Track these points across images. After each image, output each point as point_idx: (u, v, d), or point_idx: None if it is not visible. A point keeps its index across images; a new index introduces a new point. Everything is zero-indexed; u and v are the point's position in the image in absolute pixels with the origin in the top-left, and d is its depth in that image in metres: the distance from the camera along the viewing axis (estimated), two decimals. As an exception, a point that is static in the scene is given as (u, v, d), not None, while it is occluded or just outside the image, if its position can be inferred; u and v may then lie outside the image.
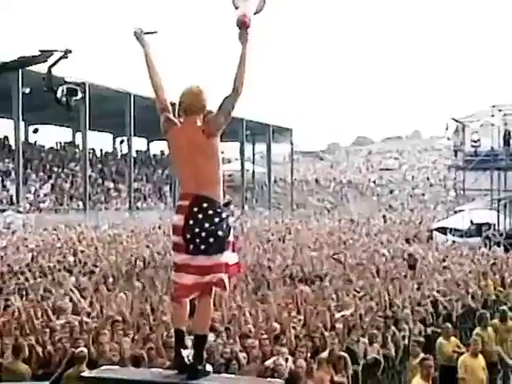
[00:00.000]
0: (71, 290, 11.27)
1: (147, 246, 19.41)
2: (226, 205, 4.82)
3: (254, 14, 4.63)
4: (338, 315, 10.26)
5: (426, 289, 13.07)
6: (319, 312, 10.16)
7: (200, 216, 4.52)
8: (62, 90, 8.54)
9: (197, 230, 4.51)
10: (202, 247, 4.52)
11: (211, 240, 4.52)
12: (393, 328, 10.32)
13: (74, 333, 8.69)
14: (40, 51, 8.06)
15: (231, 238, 4.68)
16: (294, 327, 9.26)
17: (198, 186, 4.55)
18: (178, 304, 4.74)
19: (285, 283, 13.12)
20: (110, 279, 13.11)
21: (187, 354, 4.59)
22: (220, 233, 4.55)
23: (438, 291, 12.98)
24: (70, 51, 8.01)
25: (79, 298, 10.71)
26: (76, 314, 9.70)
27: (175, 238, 4.63)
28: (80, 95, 8.44)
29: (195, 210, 4.52)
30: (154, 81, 4.87)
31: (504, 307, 11.88)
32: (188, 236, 4.53)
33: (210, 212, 4.53)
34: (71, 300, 10.59)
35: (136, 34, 4.86)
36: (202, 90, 4.69)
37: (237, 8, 4.60)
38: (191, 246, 4.54)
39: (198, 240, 4.52)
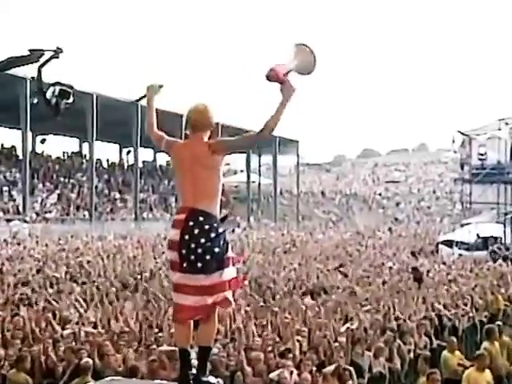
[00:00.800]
0: (76, 300, 11.27)
1: (154, 258, 19.41)
2: (223, 219, 4.72)
3: (300, 73, 4.55)
4: (342, 328, 10.23)
5: (431, 302, 13.02)
6: (324, 325, 10.12)
7: (196, 231, 4.43)
8: (53, 91, 7.87)
9: (193, 245, 4.42)
10: (199, 265, 4.42)
11: (208, 257, 4.43)
12: (398, 341, 10.28)
13: (79, 343, 8.68)
14: (29, 51, 7.44)
15: (230, 254, 4.59)
16: (298, 340, 9.23)
17: (194, 198, 4.51)
18: (181, 324, 4.66)
19: (290, 295, 13.08)
20: (115, 290, 13.09)
21: (192, 372, 4.54)
22: (217, 249, 4.46)
23: (443, 305, 12.93)
24: (61, 50, 7.48)
25: (84, 309, 10.70)
26: (81, 324, 9.69)
27: (171, 255, 4.57)
28: (72, 99, 7.92)
29: (191, 224, 4.45)
30: (151, 121, 5.11)
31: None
32: (183, 251, 4.44)
33: (207, 226, 4.46)
34: (76, 310, 10.58)
35: (149, 89, 5.18)
36: (208, 107, 4.74)
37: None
38: (185, 264, 4.45)
39: (193, 257, 4.42)
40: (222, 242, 4.51)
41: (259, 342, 9.02)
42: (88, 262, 17.55)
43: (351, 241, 30.75)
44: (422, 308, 12.44)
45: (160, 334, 8.91)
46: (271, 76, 4.39)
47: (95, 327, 9.41)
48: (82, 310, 10.53)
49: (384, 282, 15.53)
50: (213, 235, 4.46)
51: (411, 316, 11.72)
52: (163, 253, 20.69)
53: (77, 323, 9.85)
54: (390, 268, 19.05)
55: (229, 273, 4.56)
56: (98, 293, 12.54)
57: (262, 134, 4.49)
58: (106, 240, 26.84)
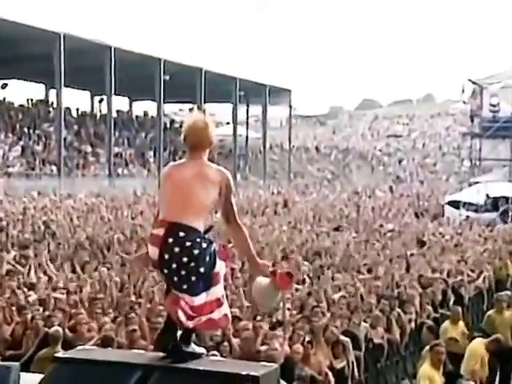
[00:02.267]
0: (44, 263, 11.29)
1: (132, 218, 19.43)
2: (207, 231, 4.52)
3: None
4: (336, 295, 10.35)
5: (435, 269, 13.17)
6: (316, 292, 10.23)
7: (176, 249, 4.32)
8: None
9: (174, 265, 4.34)
10: (184, 287, 4.38)
11: (193, 279, 4.37)
12: (398, 310, 10.42)
13: (48, 311, 8.71)
14: None
15: (218, 268, 4.49)
16: (289, 308, 9.32)
17: (178, 212, 4.39)
18: None
19: (281, 259, 13.17)
20: (87, 253, 13.12)
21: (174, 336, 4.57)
22: (202, 269, 4.37)
23: (448, 271, 13.09)
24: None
25: (53, 273, 10.73)
26: (50, 290, 9.72)
27: (156, 271, 4.59)
28: None
29: (170, 241, 4.33)
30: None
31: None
32: (165, 271, 4.39)
33: (188, 243, 4.34)
34: (44, 274, 10.61)
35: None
36: (208, 123, 4.66)
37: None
38: (170, 283, 4.44)
39: (176, 278, 4.37)
40: (207, 259, 4.40)
41: (246, 309, 9.10)
42: (56, 222, 17.53)
43: (348, 201, 30.86)
44: (424, 275, 12.57)
45: (138, 301, 8.95)
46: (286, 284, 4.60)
47: (66, 293, 9.44)
48: (50, 274, 10.55)
49: (383, 247, 15.66)
50: (196, 252, 4.35)
51: (413, 283, 11.85)
52: (141, 212, 20.74)
53: (45, 288, 9.89)
54: (391, 231, 19.19)
55: (217, 291, 4.50)
56: (67, 256, 12.56)
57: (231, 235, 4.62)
58: (76, 198, 26.76)
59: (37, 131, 42.10)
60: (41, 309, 8.88)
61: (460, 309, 10.52)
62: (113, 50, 39.71)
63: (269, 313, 9.06)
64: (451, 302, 11.82)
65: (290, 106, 59.55)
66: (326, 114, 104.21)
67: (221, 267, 4.52)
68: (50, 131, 42.21)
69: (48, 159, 39.78)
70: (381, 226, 20.30)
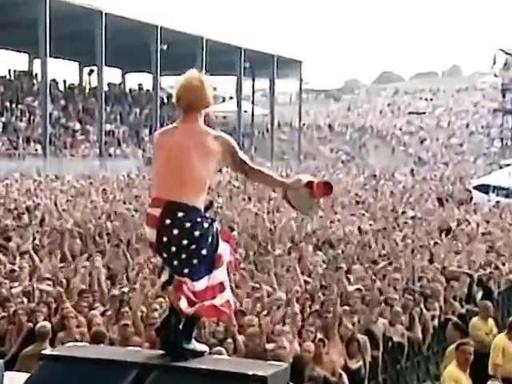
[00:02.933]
0: (28, 251, 11.32)
1: (124, 203, 19.45)
2: (207, 208, 4.60)
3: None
4: (351, 288, 10.35)
5: (462, 260, 13.16)
6: (330, 285, 10.24)
7: (175, 231, 4.32)
8: None
9: (173, 249, 4.35)
10: (186, 271, 4.39)
11: (195, 262, 4.38)
12: (421, 306, 10.43)
13: (32, 304, 8.75)
14: None
15: (221, 250, 4.51)
16: (299, 300, 9.34)
17: (173, 188, 4.38)
18: None
19: (289, 250, 13.17)
20: (76, 241, 13.15)
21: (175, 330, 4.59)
22: (204, 251, 4.39)
23: (476, 263, 13.08)
24: None
25: (38, 262, 10.75)
26: (35, 281, 9.74)
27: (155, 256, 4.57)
28: None
29: (167, 222, 4.33)
30: None
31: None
32: (164, 255, 4.42)
33: (188, 224, 4.33)
34: (28, 264, 10.63)
35: None
36: (204, 81, 4.57)
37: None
38: (170, 268, 4.46)
39: (176, 262, 4.38)
40: (209, 240, 4.41)
41: (251, 304, 9.12)
42: (41, 206, 17.56)
43: (365, 185, 30.83)
44: (449, 267, 12.57)
45: (131, 294, 8.98)
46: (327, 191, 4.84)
47: (53, 285, 9.48)
48: (36, 263, 10.58)
49: (404, 236, 15.65)
50: (197, 234, 4.35)
51: (436, 276, 11.85)
52: (136, 197, 20.77)
53: (29, 279, 9.92)
54: (412, 218, 19.17)
55: (219, 275, 4.51)
56: (53, 243, 12.59)
57: (247, 175, 4.68)
58: (63, 180, 26.81)
59: (20, 106, 42.12)
60: (25, 301, 8.91)
61: (490, 304, 10.51)
62: (104, 15, 39.64)
63: (277, 305, 9.10)
64: (479, 297, 11.82)
65: (301, 80, 59.38)
66: (341, 89, 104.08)
67: (224, 249, 4.54)
68: (35, 106, 42.23)
69: (32, 137, 39.83)
70: (401, 212, 20.28)
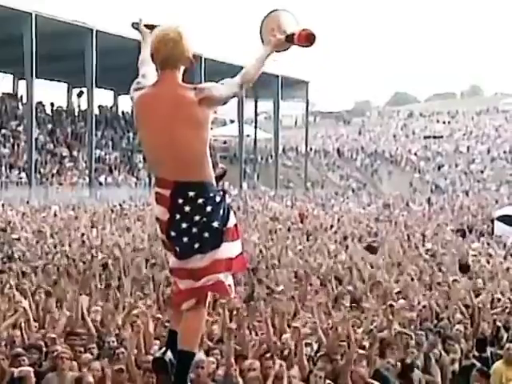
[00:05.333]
0: (10, 288, 11.30)
1: (120, 236, 19.45)
2: (220, 178, 4.87)
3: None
4: (360, 330, 10.30)
5: (485, 297, 13.09)
6: (339, 324, 10.19)
7: (187, 208, 4.54)
8: None
9: (184, 225, 4.56)
10: (196, 246, 4.59)
11: (206, 235, 4.58)
12: (439, 348, 10.36)
13: (14, 348, 8.71)
14: None
15: (231, 224, 4.73)
16: (307, 343, 9.30)
17: (179, 169, 4.55)
18: (176, 309, 4.92)
19: (295, 286, 13.15)
20: (63, 278, 13.12)
21: (170, 357, 4.75)
22: (215, 224, 4.59)
23: (500, 301, 13.00)
24: None
25: (20, 301, 10.71)
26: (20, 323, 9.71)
27: (161, 235, 4.77)
28: None
29: (180, 201, 4.55)
30: (145, 57, 4.91)
31: None
32: (172, 234, 4.60)
33: (200, 201, 4.55)
34: (9, 303, 10.59)
35: (133, 25, 5.13)
36: (182, 33, 4.59)
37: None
38: (177, 249, 4.63)
39: (186, 238, 4.57)
40: (221, 213, 4.64)
41: (254, 345, 9.08)
42: (26, 239, 17.56)
43: (377, 215, 30.81)
44: (470, 305, 12.50)
45: (125, 335, 8.96)
46: (311, 36, 4.87)
47: (39, 327, 9.46)
48: (22, 304, 10.53)
49: (420, 271, 15.61)
50: (209, 209, 4.57)
51: (456, 315, 11.79)
52: (128, 229, 20.78)
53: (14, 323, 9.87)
54: (429, 251, 19.12)
55: (228, 248, 4.70)
56: (38, 280, 12.58)
57: (241, 85, 4.79)
58: (49, 211, 26.82)
59: (3, 131, 42.32)
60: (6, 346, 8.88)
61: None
62: (95, 33, 39.88)
63: (283, 348, 9.05)
64: (504, 339, 11.73)
65: (308, 101, 59.58)
66: (351, 111, 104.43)
67: (235, 223, 4.77)
68: (19, 130, 42.39)
69: (16, 164, 39.92)
70: (417, 246, 20.23)
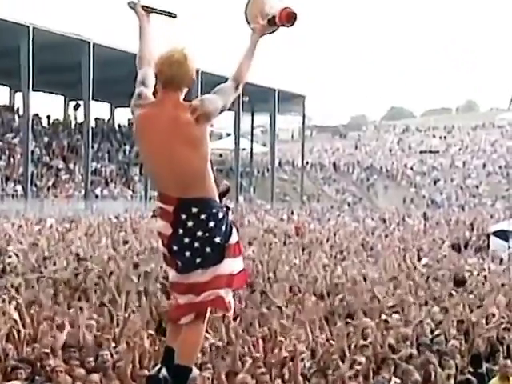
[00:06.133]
0: (3, 301, 11.24)
1: (114, 249, 19.39)
2: (224, 194, 4.87)
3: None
4: (356, 345, 10.26)
5: (479, 313, 13.06)
6: (334, 339, 10.15)
7: (190, 224, 4.59)
8: None
9: (187, 240, 4.61)
10: (198, 260, 4.63)
11: (208, 250, 4.62)
12: (434, 362, 10.31)
13: (7, 363, 8.66)
14: None
15: (233, 240, 4.77)
16: (302, 359, 9.26)
17: (181, 186, 4.60)
18: (173, 324, 4.94)
19: (290, 301, 13.11)
20: (59, 290, 13.08)
21: (165, 375, 4.71)
22: (217, 239, 4.64)
23: (495, 317, 12.97)
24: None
25: (14, 316, 10.66)
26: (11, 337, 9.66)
27: (163, 249, 4.80)
28: None
29: (183, 217, 4.60)
30: (143, 54, 4.93)
31: None
32: (174, 248, 4.64)
33: (203, 216, 4.60)
34: (4, 317, 10.54)
35: (130, 4, 5.03)
36: (188, 55, 4.63)
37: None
38: (179, 263, 4.67)
39: (189, 253, 4.61)
40: (223, 229, 4.68)
41: (248, 362, 9.03)
42: (21, 251, 17.50)
43: (373, 229, 30.79)
44: (466, 320, 12.47)
45: (119, 349, 8.91)
46: (291, 15, 4.85)
47: (33, 341, 9.41)
48: (13, 317, 10.47)
49: (416, 286, 15.58)
50: (212, 224, 4.62)
51: (451, 331, 11.76)
52: (125, 243, 20.71)
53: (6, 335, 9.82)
54: (424, 266, 19.10)
55: (230, 264, 4.73)
56: (33, 294, 12.52)
57: (238, 84, 4.74)
58: (45, 224, 26.75)
59: (-1, 143, 42.26)
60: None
61: (510, 362, 10.39)
62: (91, 45, 39.91)
63: (277, 363, 9.00)
64: (500, 355, 11.69)
65: (304, 115, 59.71)
66: (347, 125, 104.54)
67: (237, 240, 4.82)
68: (15, 143, 42.33)
69: (12, 177, 39.85)
70: (412, 260, 20.21)
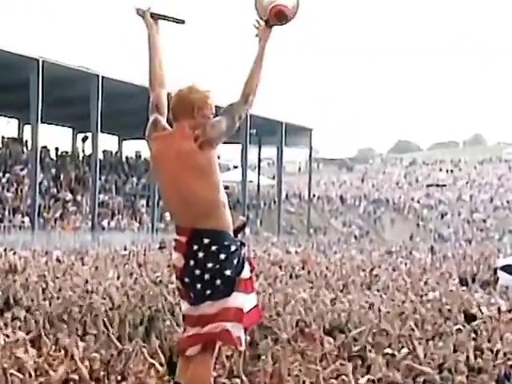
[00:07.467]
0: (7, 336, 11.21)
1: (120, 281, 19.36)
2: (240, 230, 4.93)
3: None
4: (362, 380, 10.20)
5: (487, 349, 12.96)
6: (341, 376, 10.08)
7: (201, 255, 4.64)
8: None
9: (198, 271, 4.65)
10: (208, 292, 4.66)
11: (218, 282, 4.65)
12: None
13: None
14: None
15: (245, 275, 4.78)
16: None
17: (194, 217, 4.66)
18: (184, 359, 4.90)
19: (296, 338, 13.03)
20: (63, 325, 13.03)
21: None
22: (228, 272, 4.66)
23: (504, 353, 12.87)
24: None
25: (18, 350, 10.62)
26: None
27: (176, 282, 4.90)
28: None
29: (195, 248, 4.65)
30: (154, 69, 4.97)
31: None
32: (186, 280, 4.70)
33: (214, 248, 4.64)
34: (6, 350, 10.50)
35: (138, 12, 5.05)
36: (192, 88, 4.77)
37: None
38: (192, 295, 4.72)
39: (199, 285, 4.65)
40: (235, 262, 4.70)
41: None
42: (26, 285, 17.47)
43: (380, 263, 30.67)
44: (473, 357, 12.38)
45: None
46: (282, 12, 4.82)
47: (35, 375, 9.35)
48: (16, 350, 10.44)
49: (423, 320, 15.48)
50: (223, 256, 4.65)
51: (459, 367, 11.66)
52: (131, 274, 20.68)
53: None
54: (431, 301, 18.98)
55: (240, 298, 4.73)
56: (38, 326, 12.49)
57: (247, 100, 4.85)
58: (52, 256, 26.74)
59: (7, 175, 42.37)
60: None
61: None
62: (100, 78, 40.11)
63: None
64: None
65: (311, 148, 59.79)
66: (354, 158, 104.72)
67: (250, 276, 4.83)
68: (23, 175, 42.43)
69: (19, 209, 39.89)
70: (419, 294, 20.10)
